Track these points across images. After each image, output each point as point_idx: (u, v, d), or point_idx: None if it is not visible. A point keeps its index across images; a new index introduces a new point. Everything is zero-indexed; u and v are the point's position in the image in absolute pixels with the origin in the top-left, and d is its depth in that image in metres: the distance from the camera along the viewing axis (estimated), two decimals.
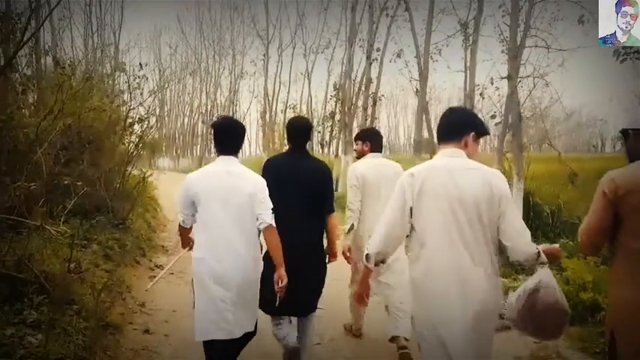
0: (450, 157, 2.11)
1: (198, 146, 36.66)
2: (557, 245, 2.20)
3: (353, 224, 3.57)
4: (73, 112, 6.04)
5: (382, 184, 3.54)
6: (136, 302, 4.58)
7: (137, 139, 7.90)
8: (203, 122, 32.21)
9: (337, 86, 14.44)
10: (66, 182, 5.04)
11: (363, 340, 3.95)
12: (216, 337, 2.69)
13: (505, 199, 2.05)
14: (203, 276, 2.70)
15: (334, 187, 2.94)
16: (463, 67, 7.93)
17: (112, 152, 6.61)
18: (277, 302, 2.79)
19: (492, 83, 7.09)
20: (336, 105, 14.85)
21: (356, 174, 3.60)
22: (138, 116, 7.13)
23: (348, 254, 3.63)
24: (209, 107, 34.48)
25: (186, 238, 2.99)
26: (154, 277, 5.58)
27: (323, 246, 3.29)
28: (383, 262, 2.25)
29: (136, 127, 7.45)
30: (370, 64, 10.96)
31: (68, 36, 13.70)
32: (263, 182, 2.79)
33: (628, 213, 1.93)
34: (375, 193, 3.57)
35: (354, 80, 12.37)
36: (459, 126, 2.16)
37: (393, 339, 3.49)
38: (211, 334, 2.70)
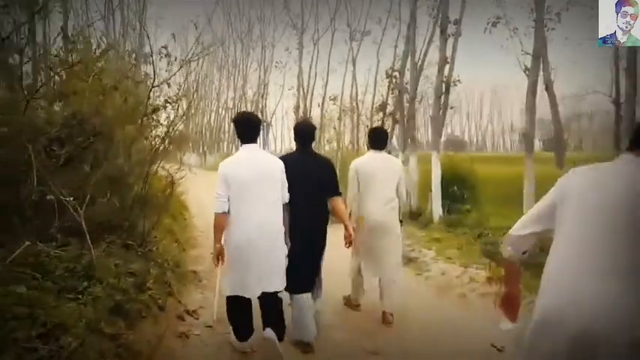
0: (625, 162, 1.76)
1: (225, 142, 35.26)
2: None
3: (351, 210, 4.19)
4: (76, 94, 4.28)
5: (376, 175, 4.14)
6: None
7: (163, 132, 6.14)
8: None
9: (390, 73, 12.41)
10: (48, 198, 3.22)
11: None
12: (245, 294, 3.23)
13: None
14: (237, 245, 3.19)
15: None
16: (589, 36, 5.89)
17: (127, 147, 4.79)
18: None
19: None
20: (387, 94, 12.82)
21: (352, 168, 4.25)
22: (165, 98, 5.28)
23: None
24: (237, 102, 33.00)
25: (220, 232, 3.25)
26: (185, 334, 3.73)
27: (326, 231, 3.78)
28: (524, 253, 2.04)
29: (162, 114, 5.62)
30: (446, 39, 8.90)
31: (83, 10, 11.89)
32: (282, 165, 3.40)
33: None
34: (369, 183, 4.13)
35: (416, 63, 10.32)
36: None
37: (384, 313, 4.15)
38: (240, 291, 3.23)
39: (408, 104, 10.54)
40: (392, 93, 12.55)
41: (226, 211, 3.20)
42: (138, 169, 5.18)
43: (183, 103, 7.21)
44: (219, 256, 3.26)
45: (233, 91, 34.20)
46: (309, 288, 3.71)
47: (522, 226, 2.00)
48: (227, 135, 34.87)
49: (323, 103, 19.08)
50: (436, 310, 4.67)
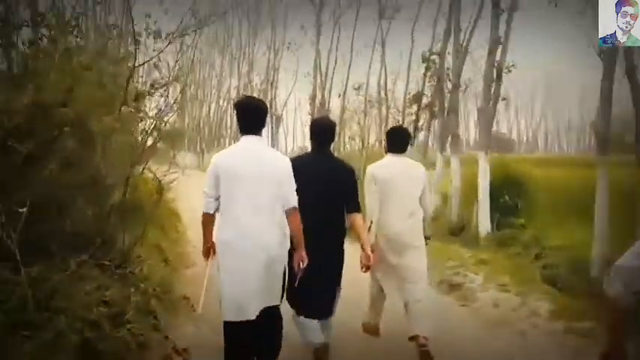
0: None
1: (227, 139, 35.32)
2: None
3: (371, 222, 4.12)
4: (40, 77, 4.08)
5: (396, 182, 4.16)
6: None
7: (151, 125, 5.91)
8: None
9: (427, 56, 12.15)
10: None
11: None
12: (243, 318, 3.17)
13: None
14: (228, 255, 3.18)
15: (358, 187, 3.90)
16: None
17: (104, 143, 4.57)
18: (297, 282, 3.34)
19: None
20: (424, 83, 12.56)
21: (367, 175, 4.26)
22: (150, 82, 5.07)
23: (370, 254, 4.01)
24: (241, 91, 33.06)
25: (209, 232, 3.40)
26: None
27: (343, 246, 3.92)
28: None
29: (151, 104, 5.39)
30: (498, 15, 8.51)
31: None
32: (289, 163, 3.33)
33: None
34: (388, 192, 4.14)
35: (461, 44, 10.01)
36: None
37: (413, 338, 4.03)
38: (240, 315, 3.17)
39: (449, 94, 10.30)
40: (429, 81, 12.33)
41: (211, 212, 3.27)
42: (118, 170, 4.98)
43: (177, 89, 7.01)
44: (209, 251, 3.42)
45: (237, 78, 34.29)
46: (323, 315, 3.78)
47: (637, 254, 1.77)
48: (230, 131, 34.91)
49: (345, 93, 18.95)
50: (489, 351, 4.49)
